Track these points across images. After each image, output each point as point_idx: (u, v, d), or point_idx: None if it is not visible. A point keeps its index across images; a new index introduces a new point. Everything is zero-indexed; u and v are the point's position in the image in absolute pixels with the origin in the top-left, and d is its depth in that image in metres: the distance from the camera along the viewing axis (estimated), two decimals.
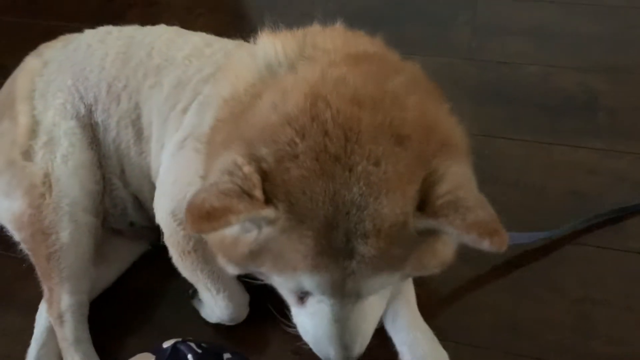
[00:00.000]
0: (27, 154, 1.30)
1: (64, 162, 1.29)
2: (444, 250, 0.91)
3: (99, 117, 1.34)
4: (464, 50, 1.95)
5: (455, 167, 0.84)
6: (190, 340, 0.96)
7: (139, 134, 1.32)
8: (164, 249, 1.31)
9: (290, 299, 0.97)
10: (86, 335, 1.27)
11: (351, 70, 0.92)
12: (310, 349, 1.26)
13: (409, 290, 1.26)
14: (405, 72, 0.97)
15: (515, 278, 1.36)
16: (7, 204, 1.31)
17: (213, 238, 0.92)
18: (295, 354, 1.26)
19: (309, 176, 0.80)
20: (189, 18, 2.15)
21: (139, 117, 1.31)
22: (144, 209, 1.41)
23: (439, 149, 0.85)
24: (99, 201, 1.33)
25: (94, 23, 1.52)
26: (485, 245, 0.76)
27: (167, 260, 1.27)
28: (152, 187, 1.29)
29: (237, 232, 0.87)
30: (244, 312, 1.30)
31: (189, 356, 0.90)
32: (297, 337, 1.27)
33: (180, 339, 0.95)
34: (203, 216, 0.76)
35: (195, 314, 1.33)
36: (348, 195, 0.80)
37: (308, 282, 0.87)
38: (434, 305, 1.30)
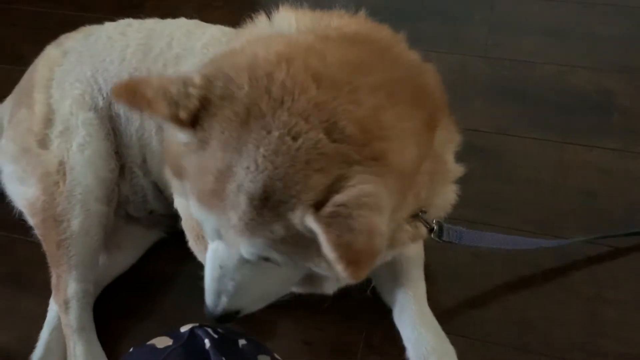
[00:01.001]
0: (43, 142, 1.32)
1: (80, 150, 1.31)
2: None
3: (120, 108, 1.36)
4: (480, 47, 1.95)
5: (370, 187, 0.79)
6: (208, 326, 0.97)
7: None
8: (178, 236, 1.33)
9: (206, 234, 0.99)
10: (90, 323, 1.29)
11: (337, 49, 0.91)
12: (321, 339, 1.29)
13: (418, 284, 1.26)
14: (395, 73, 0.94)
15: (526, 275, 1.36)
16: (22, 190, 1.33)
17: (168, 145, 0.97)
18: (306, 343, 1.28)
19: (233, 120, 0.84)
20: (206, 10, 2.16)
21: None
22: (164, 196, 1.43)
23: (367, 160, 0.82)
24: (112, 189, 1.35)
25: (112, 13, 1.54)
26: (339, 268, 0.75)
27: (181, 246, 1.28)
28: None
29: (175, 140, 0.91)
30: None
31: (206, 341, 0.92)
32: (309, 327, 1.30)
33: (197, 324, 0.97)
34: (129, 91, 0.85)
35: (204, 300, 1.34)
36: (254, 152, 0.82)
37: (201, 215, 0.90)
38: (444, 299, 1.31)
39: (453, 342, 1.19)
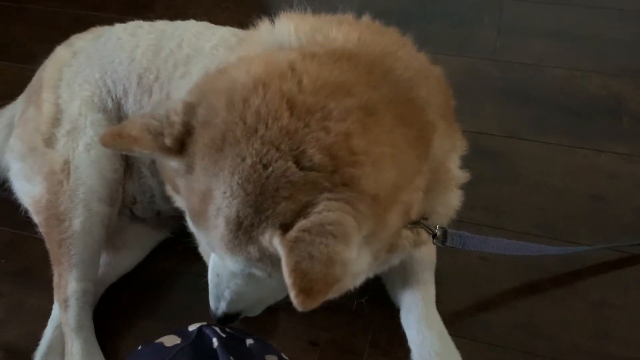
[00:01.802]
0: (49, 141, 1.33)
1: (87, 150, 1.31)
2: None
3: (129, 109, 1.37)
4: (489, 50, 1.95)
5: (335, 215, 0.80)
6: (215, 325, 0.98)
7: None
8: (184, 236, 1.33)
9: None
10: (89, 322, 1.30)
11: (318, 69, 0.91)
12: (328, 340, 1.29)
13: (428, 287, 1.26)
14: (379, 92, 0.92)
15: (534, 278, 1.36)
16: (28, 188, 1.34)
17: (164, 167, 1.02)
18: (313, 343, 1.28)
19: (211, 147, 0.87)
20: (215, 11, 2.17)
21: None
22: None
23: (338, 186, 0.82)
24: (116, 190, 1.36)
25: (123, 13, 1.55)
26: (291, 294, 0.77)
27: (188, 246, 1.29)
28: None
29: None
30: None
31: (214, 340, 0.92)
32: (316, 327, 1.30)
33: (205, 323, 0.97)
34: (115, 135, 0.91)
35: None
36: (230, 178, 0.85)
37: (193, 229, 0.95)
38: (451, 302, 1.30)
39: (459, 345, 1.19)
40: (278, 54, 0.97)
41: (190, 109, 0.91)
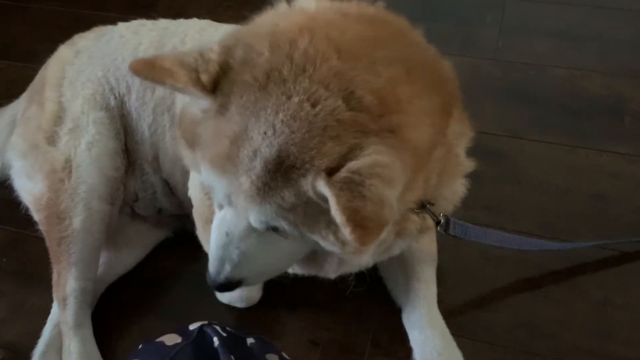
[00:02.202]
0: (51, 139, 1.33)
1: (88, 149, 1.31)
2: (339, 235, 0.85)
3: (132, 105, 1.37)
4: (491, 50, 1.95)
5: (385, 158, 0.80)
6: (216, 324, 0.97)
7: (174, 119, 1.34)
8: (185, 235, 1.34)
9: (215, 202, 0.99)
10: (87, 321, 1.30)
11: (356, 25, 0.92)
12: (329, 339, 1.29)
13: (429, 286, 1.27)
14: (413, 54, 0.94)
15: (535, 278, 1.36)
16: (30, 186, 1.35)
17: (184, 115, 0.97)
18: (313, 343, 1.28)
19: (252, 85, 0.85)
20: (218, 10, 2.17)
21: (173, 102, 1.33)
22: (174, 194, 1.44)
23: (383, 131, 0.82)
24: (117, 188, 1.36)
25: (125, 12, 1.55)
26: (346, 232, 0.76)
27: (188, 245, 1.29)
28: (184, 171, 1.31)
29: (192, 108, 0.93)
30: (256, 295, 1.30)
31: (215, 339, 0.92)
32: (317, 326, 1.30)
33: (206, 322, 0.97)
34: (148, 65, 0.88)
35: (215, 299, 1.35)
36: (273, 117, 0.83)
37: (212, 180, 0.90)
38: (452, 301, 1.30)
39: (460, 344, 1.20)
40: (313, 11, 0.97)
41: (227, 50, 0.89)
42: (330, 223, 0.82)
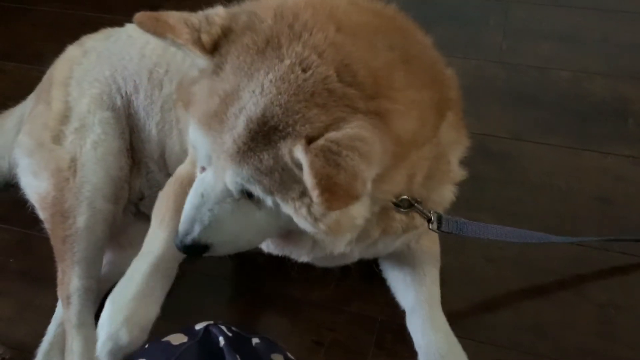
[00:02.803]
0: (57, 138, 1.34)
1: (94, 148, 1.33)
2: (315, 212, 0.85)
3: (139, 104, 1.38)
4: (495, 53, 1.95)
5: (365, 134, 0.79)
6: (222, 324, 0.98)
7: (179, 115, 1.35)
8: None
9: (198, 166, 1.00)
10: (90, 320, 1.30)
11: (362, 13, 0.93)
12: (333, 339, 1.29)
13: (432, 289, 1.26)
14: (414, 49, 0.94)
15: (539, 280, 1.36)
16: (35, 184, 1.36)
17: (184, 78, 1.01)
18: (318, 343, 1.28)
19: (251, 47, 0.87)
20: None
21: None
22: None
23: (369, 111, 0.82)
24: (121, 187, 1.37)
25: (129, 15, 1.53)
26: (314, 195, 0.76)
27: None
28: None
29: (191, 70, 0.95)
30: (137, 338, 1.11)
31: (220, 339, 0.93)
32: (321, 327, 1.30)
33: (212, 322, 0.98)
34: (152, 18, 0.90)
35: (221, 298, 1.35)
36: (263, 77, 0.84)
37: (197, 137, 0.92)
38: (456, 303, 1.31)
39: (464, 346, 1.20)
40: None
41: (232, 16, 0.91)
42: (304, 195, 0.82)
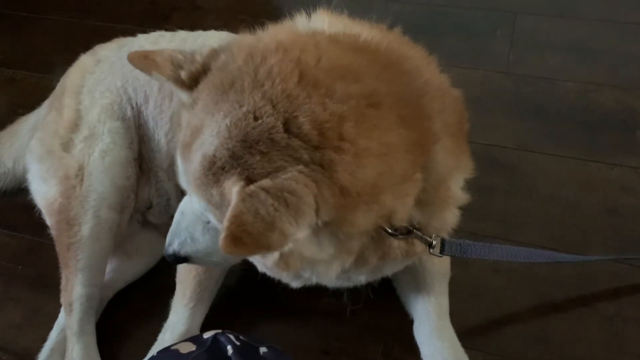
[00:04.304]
0: (66, 146, 1.35)
1: (102, 157, 1.34)
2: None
3: (149, 114, 1.39)
4: (502, 63, 1.96)
5: (295, 186, 0.81)
6: (230, 333, 0.98)
7: None
8: None
9: None
10: (91, 327, 1.31)
11: (337, 53, 0.94)
12: (340, 349, 1.29)
13: (440, 299, 1.27)
14: (390, 87, 0.93)
15: (547, 291, 1.36)
16: (44, 190, 1.37)
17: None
18: (325, 353, 1.29)
19: (218, 88, 0.91)
20: (232, 23, 2.19)
21: None
22: None
23: (314, 163, 0.83)
24: (127, 197, 1.38)
25: (139, 24, 1.57)
26: (221, 236, 0.79)
27: None
28: None
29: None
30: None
31: (228, 347, 0.93)
32: (329, 337, 1.31)
33: (220, 331, 0.98)
34: (142, 56, 0.99)
35: (229, 307, 1.36)
36: (221, 119, 0.87)
37: (177, 162, 0.98)
38: (463, 314, 1.31)
39: (472, 357, 1.20)
40: (306, 32, 1.02)
41: (214, 53, 0.97)
42: None
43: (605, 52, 1.98)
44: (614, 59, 1.95)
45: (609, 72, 1.90)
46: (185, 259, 1.06)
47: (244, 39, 1.00)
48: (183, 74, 0.96)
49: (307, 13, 1.11)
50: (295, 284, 1.14)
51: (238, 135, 0.85)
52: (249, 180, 0.83)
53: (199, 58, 0.97)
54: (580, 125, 1.74)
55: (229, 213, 0.79)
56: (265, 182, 0.81)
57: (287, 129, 0.84)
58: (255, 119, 0.85)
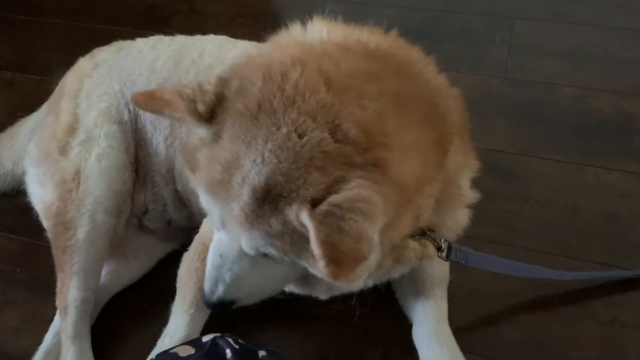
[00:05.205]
0: (64, 149, 1.35)
1: (98, 161, 1.34)
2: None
3: (147, 118, 1.39)
4: (500, 69, 1.96)
5: (366, 193, 0.81)
6: (229, 336, 0.99)
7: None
8: None
9: (214, 225, 1.02)
10: (85, 331, 1.31)
11: (353, 59, 0.94)
12: (338, 353, 1.29)
13: (439, 303, 1.27)
14: (407, 87, 0.95)
15: (545, 295, 1.36)
16: (41, 193, 1.37)
17: (187, 142, 1.01)
18: (323, 357, 1.29)
19: (245, 114, 0.88)
20: (231, 26, 2.20)
21: None
22: (185, 207, 1.45)
23: (368, 165, 0.84)
24: (123, 201, 1.38)
25: (140, 27, 1.57)
26: (320, 265, 0.77)
27: None
28: None
29: (192, 136, 0.96)
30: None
31: (227, 351, 0.93)
32: (328, 341, 1.31)
33: (219, 334, 0.98)
34: (148, 96, 0.93)
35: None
36: (262, 146, 0.85)
37: (207, 204, 0.94)
38: (462, 317, 1.31)
39: None
40: (313, 43, 1.00)
41: (223, 81, 0.93)
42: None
43: (603, 57, 1.98)
44: (611, 64, 1.95)
45: (606, 78, 1.90)
46: (231, 303, 1.02)
47: (250, 60, 0.97)
48: (200, 107, 0.90)
49: (303, 21, 1.11)
50: (324, 296, 1.16)
51: (288, 157, 0.84)
52: (314, 200, 0.82)
53: (209, 88, 0.92)
54: (577, 131, 1.75)
55: (315, 240, 0.78)
56: (335, 198, 0.80)
57: (335, 138, 0.84)
58: (300, 136, 0.84)
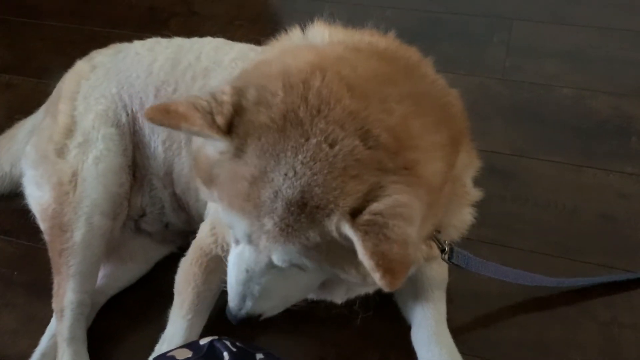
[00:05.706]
0: (61, 152, 1.35)
1: (95, 163, 1.33)
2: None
3: (145, 121, 1.38)
4: (499, 70, 1.97)
5: (404, 197, 0.81)
6: (226, 339, 0.98)
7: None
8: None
9: (231, 236, 1.01)
10: (81, 334, 1.31)
11: (366, 62, 0.93)
12: (337, 356, 1.29)
13: (438, 305, 1.27)
14: (421, 88, 0.95)
15: (544, 297, 1.36)
16: (38, 195, 1.37)
17: (198, 156, 0.97)
18: None
19: (270, 126, 0.85)
20: (229, 28, 2.20)
21: None
22: (183, 210, 1.45)
23: (400, 168, 0.83)
24: (120, 204, 1.37)
25: (137, 30, 1.57)
26: (376, 277, 0.77)
27: None
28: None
29: (207, 149, 0.92)
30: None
31: (225, 354, 0.93)
32: (326, 343, 1.30)
33: (216, 337, 0.98)
34: (161, 110, 0.87)
35: (226, 317, 1.35)
36: (293, 158, 0.84)
37: (231, 220, 0.91)
38: (461, 319, 1.31)
39: None
40: (323, 46, 0.99)
41: (239, 91, 0.89)
42: (354, 259, 0.82)
43: (601, 58, 1.99)
44: (610, 65, 1.96)
45: (605, 79, 1.91)
46: (258, 317, 1.02)
47: (261, 67, 0.95)
48: (219, 120, 0.86)
49: (302, 23, 1.10)
50: (341, 300, 1.16)
51: (322, 168, 0.82)
52: (353, 210, 0.81)
53: (226, 98, 0.87)
54: (576, 132, 1.75)
55: (364, 252, 0.77)
56: (376, 207, 0.79)
57: (366, 144, 0.83)
58: (331, 146, 0.83)
